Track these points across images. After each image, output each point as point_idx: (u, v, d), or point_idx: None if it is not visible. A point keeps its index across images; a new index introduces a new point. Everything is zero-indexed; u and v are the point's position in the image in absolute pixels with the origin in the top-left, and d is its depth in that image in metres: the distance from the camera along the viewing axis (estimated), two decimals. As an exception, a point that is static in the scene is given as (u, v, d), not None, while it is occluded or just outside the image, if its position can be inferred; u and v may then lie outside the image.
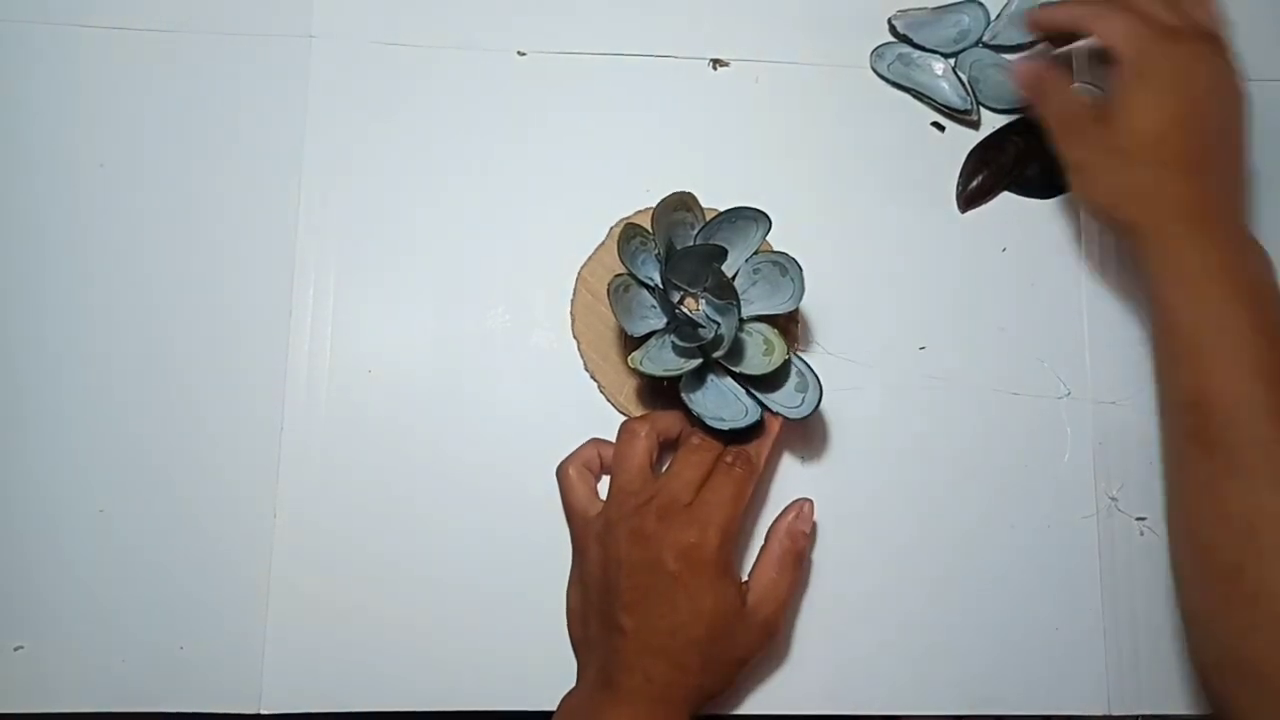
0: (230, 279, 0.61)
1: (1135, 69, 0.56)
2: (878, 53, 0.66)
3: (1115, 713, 0.59)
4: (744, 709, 0.58)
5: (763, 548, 0.56)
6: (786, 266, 0.56)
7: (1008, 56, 0.66)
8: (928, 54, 0.66)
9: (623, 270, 0.56)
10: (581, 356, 0.61)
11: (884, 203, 0.64)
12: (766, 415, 0.56)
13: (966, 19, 0.66)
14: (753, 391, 0.57)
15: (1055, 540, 0.60)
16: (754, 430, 0.55)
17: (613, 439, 0.57)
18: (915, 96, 0.65)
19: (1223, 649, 0.51)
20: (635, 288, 0.57)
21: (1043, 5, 0.62)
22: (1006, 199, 0.65)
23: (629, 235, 0.55)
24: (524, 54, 0.65)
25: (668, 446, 0.57)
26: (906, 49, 0.66)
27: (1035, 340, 0.63)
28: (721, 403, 0.56)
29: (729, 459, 0.55)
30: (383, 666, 0.58)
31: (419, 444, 0.60)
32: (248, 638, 0.58)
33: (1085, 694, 0.59)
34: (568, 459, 0.58)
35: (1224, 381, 0.52)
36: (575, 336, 0.61)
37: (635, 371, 0.55)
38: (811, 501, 0.57)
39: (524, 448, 0.60)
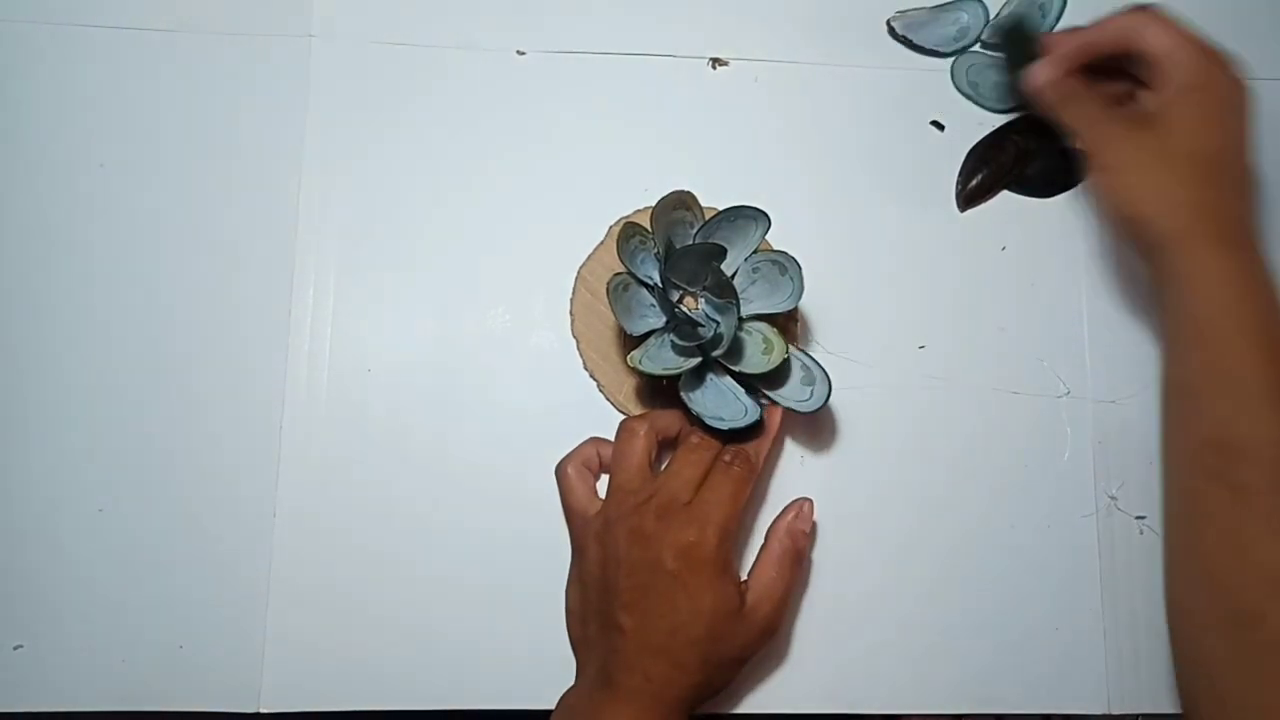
0: (230, 279, 0.61)
1: (1189, 83, 0.55)
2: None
3: (1115, 712, 0.59)
4: (743, 708, 0.58)
5: (762, 547, 0.56)
6: (786, 265, 0.56)
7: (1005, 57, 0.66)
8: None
9: (622, 269, 0.56)
10: (581, 355, 0.61)
11: (884, 202, 0.64)
12: (766, 414, 0.56)
13: (965, 16, 0.66)
14: (761, 389, 0.57)
15: (1055, 539, 0.60)
16: (753, 430, 0.55)
17: (612, 438, 0.57)
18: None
19: (1229, 694, 0.50)
20: (634, 287, 0.57)
21: (1069, 30, 0.60)
22: (1006, 198, 0.65)
23: (628, 234, 0.55)
24: (524, 54, 0.65)
25: (667, 445, 0.57)
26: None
27: (1035, 339, 0.63)
28: (721, 402, 0.56)
29: (728, 458, 0.55)
30: (382, 665, 0.58)
31: (418, 443, 0.60)
32: (247, 637, 0.58)
33: (1085, 693, 0.59)
34: (566, 458, 0.58)
35: (1254, 422, 0.51)
36: (575, 335, 0.61)
37: (634, 370, 0.55)
38: (811, 501, 0.57)
39: (523, 446, 0.60)
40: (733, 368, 0.56)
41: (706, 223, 0.57)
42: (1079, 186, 0.64)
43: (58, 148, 0.62)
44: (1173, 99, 0.56)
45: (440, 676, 0.58)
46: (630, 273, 0.56)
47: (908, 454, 0.61)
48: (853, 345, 0.62)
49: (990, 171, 0.64)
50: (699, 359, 0.55)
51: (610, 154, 0.64)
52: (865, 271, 0.63)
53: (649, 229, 0.55)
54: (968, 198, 0.64)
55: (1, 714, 0.57)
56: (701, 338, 0.55)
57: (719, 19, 0.66)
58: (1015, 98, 0.64)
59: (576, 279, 0.62)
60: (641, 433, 0.55)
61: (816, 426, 0.61)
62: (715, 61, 0.65)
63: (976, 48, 0.66)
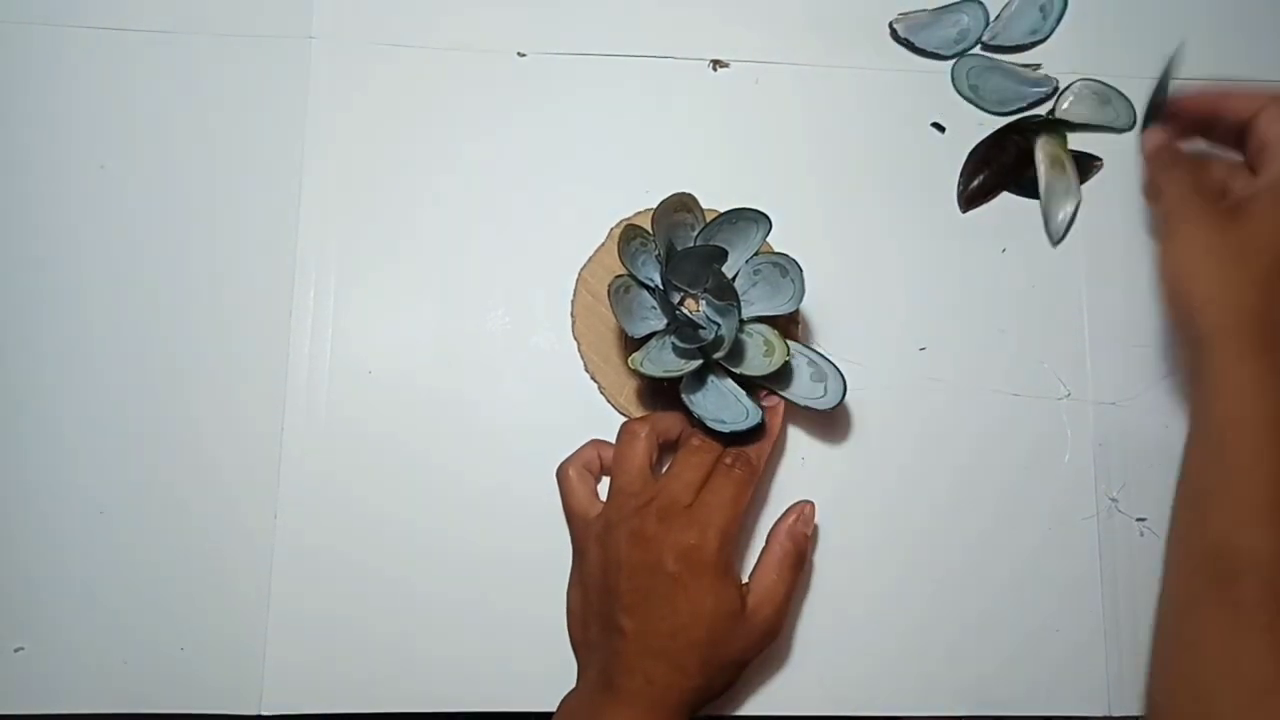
0: (231, 280, 0.61)
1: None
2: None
3: (1116, 714, 0.59)
4: (744, 710, 0.58)
5: (763, 550, 0.56)
6: (787, 268, 0.56)
7: (1006, 59, 0.66)
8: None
9: (623, 271, 0.56)
10: (582, 357, 0.61)
11: (884, 203, 0.64)
12: (767, 417, 0.56)
13: (966, 18, 0.66)
14: (773, 389, 0.57)
15: (1056, 541, 0.60)
16: (755, 432, 0.55)
17: (613, 440, 0.57)
18: None
19: None
20: (636, 289, 0.57)
21: (1199, 94, 0.58)
22: (1006, 199, 0.64)
23: (629, 236, 0.55)
24: (524, 54, 0.65)
25: (667, 448, 0.57)
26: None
27: (1035, 341, 0.63)
28: (722, 404, 0.56)
29: (729, 460, 0.55)
30: (384, 667, 0.58)
31: (419, 445, 0.60)
32: (248, 639, 0.58)
33: (1086, 695, 0.59)
34: (567, 460, 0.58)
35: (1260, 534, 0.49)
36: (576, 337, 0.61)
37: (635, 373, 0.55)
38: (812, 503, 0.57)
39: (524, 449, 0.60)
40: (734, 370, 0.56)
41: (707, 225, 0.57)
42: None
43: (58, 148, 0.62)
44: (1263, 191, 0.54)
45: (441, 678, 0.58)
46: (631, 275, 0.56)
47: (908, 456, 0.61)
48: (853, 347, 0.62)
49: (991, 173, 0.64)
50: (700, 361, 0.55)
51: (610, 155, 0.64)
52: (866, 273, 0.63)
53: (650, 231, 0.55)
54: (969, 199, 0.64)
55: (2, 716, 0.57)
56: (702, 340, 0.55)
57: (720, 21, 0.66)
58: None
59: (578, 281, 0.62)
60: (642, 435, 0.55)
61: (818, 427, 0.61)
62: (716, 63, 0.65)
63: (977, 50, 0.66)
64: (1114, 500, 0.61)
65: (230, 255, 0.61)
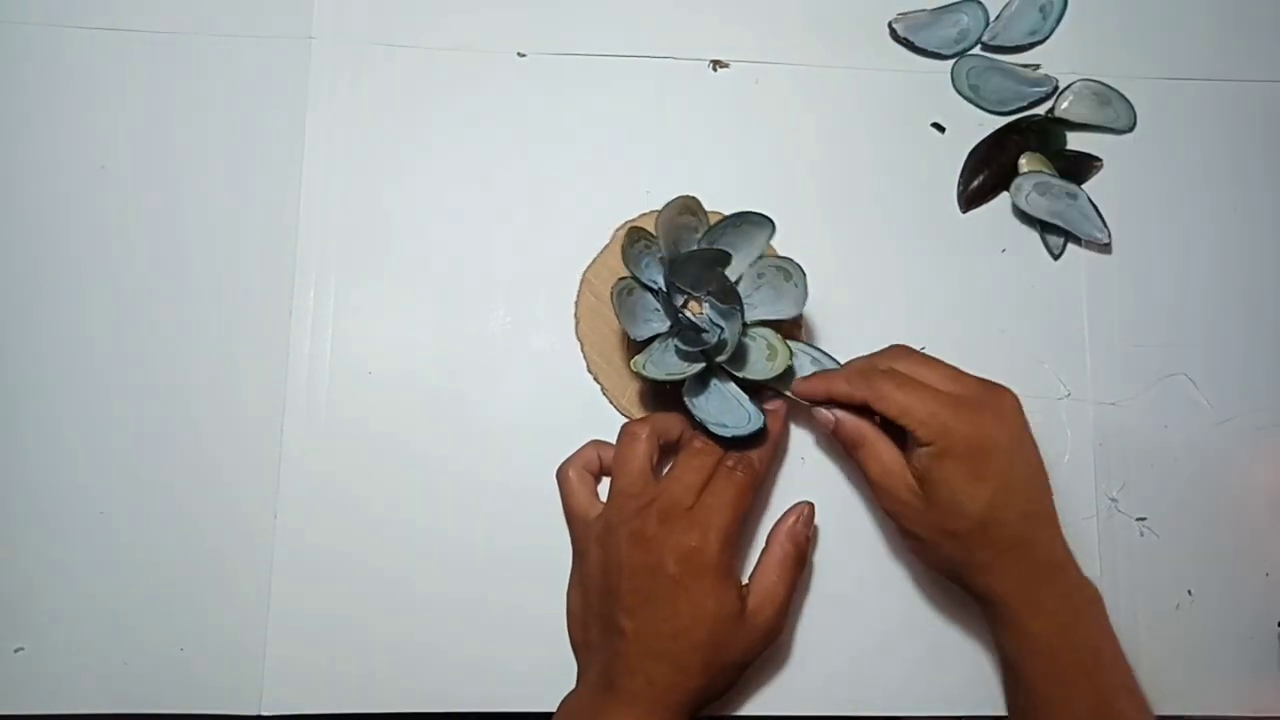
0: (231, 280, 0.61)
1: (935, 450, 0.52)
2: (1015, 184, 0.64)
3: (1114, 713, 0.59)
4: (744, 710, 0.58)
5: (763, 551, 0.56)
6: (791, 272, 0.56)
7: (1005, 59, 0.66)
8: (1065, 182, 0.64)
9: (627, 273, 0.56)
10: (585, 358, 0.61)
11: (884, 203, 0.64)
12: (769, 421, 0.56)
13: (966, 18, 0.66)
14: (778, 390, 0.57)
15: (1055, 542, 0.61)
16: (757, 437, 0.55)
17: (613, 441, 0.57)
18: (1047, 229, 0.64)
19: None
20: (639, 291, 0.57)
21: (816, 374, 0.57)
22: (1006, 199, 0.65)
23: (633, 239, 0.55)
24: (524, 55, 0.64)
25: (668, 449, 0.57)
26: (1044, 178, 0.63)
27: (1035, 341, 0.63)
28: (724, 408, 0.56)
29: (730, 463, 0.55)
30: (384, 667, 0.58)
31: (420, 445, 0.60)
32: (249, 639, 0.58)
33: (1084, 695, 0.59)
34: (568, 461, 0.58)
35: None
36: (579, 338, 0.61)
37: (638, 375, 0.55)
38: (812, 504, 0.57)
39: (524, 449, 0.60)
40: (736, 374, 0.56)
41: (712, 228, 0.56)
42: (1082, 187, 0.64)
43: (58, 149, 0.61)
44: (928, 467, 0.53)
45: (441, 678, 0.58)
46: (635, 277, 0.56)
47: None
48: (854, 347, 0.61)
49: (991, 173, 0.64)
50: (702, 364, 0.55)
51: (610, 155, 0.64)
52: (866, 272, 0.63)
53: (654, 233, 0.55)
54: (969, 199, 0.64)
55: (3, 716, 0.57)
56: (705, 343, 0.55)
57: (720, 21, 0.66)
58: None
59: (581, 281, 0.62)
60: (643, 436, 0.55)
61: (819, 427, 0.61)
62: (716, 64, 0.65)
63: (977, 50, 0.66)
64: (1114, 500, 0.61)
65: (230, 255, 0.61)
